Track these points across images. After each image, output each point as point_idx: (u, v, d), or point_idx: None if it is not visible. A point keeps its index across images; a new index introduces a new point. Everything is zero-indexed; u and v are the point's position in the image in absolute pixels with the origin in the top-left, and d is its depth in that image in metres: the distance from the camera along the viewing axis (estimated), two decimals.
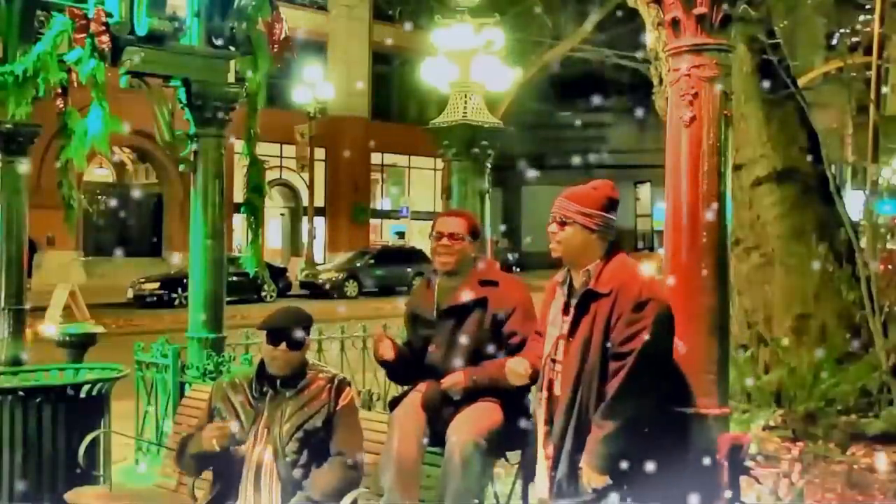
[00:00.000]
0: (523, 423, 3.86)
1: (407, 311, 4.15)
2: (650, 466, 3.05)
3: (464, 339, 3.84)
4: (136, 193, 33.46)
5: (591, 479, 3.07)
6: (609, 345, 3.09)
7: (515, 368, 3.46)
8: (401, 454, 3.70)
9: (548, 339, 3.32)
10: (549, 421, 3.24)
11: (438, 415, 3.80)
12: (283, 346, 3.62)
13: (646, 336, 3.03)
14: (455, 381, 3.76)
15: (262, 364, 3.74)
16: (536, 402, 3.35)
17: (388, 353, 3.94)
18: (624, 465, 3.03)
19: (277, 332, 3.63)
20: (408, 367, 4.01)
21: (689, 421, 3.20)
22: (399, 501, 3.65)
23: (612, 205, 3.28)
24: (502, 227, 39.42)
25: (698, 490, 3.12)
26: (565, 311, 3.27)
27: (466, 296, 3.86)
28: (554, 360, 3.26)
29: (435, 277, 4.01)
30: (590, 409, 3.11)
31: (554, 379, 3.25)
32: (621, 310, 3.08)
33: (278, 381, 3.68)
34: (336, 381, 3.71)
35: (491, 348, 3.79)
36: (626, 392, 3.02)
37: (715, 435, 3.20)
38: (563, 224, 3.23)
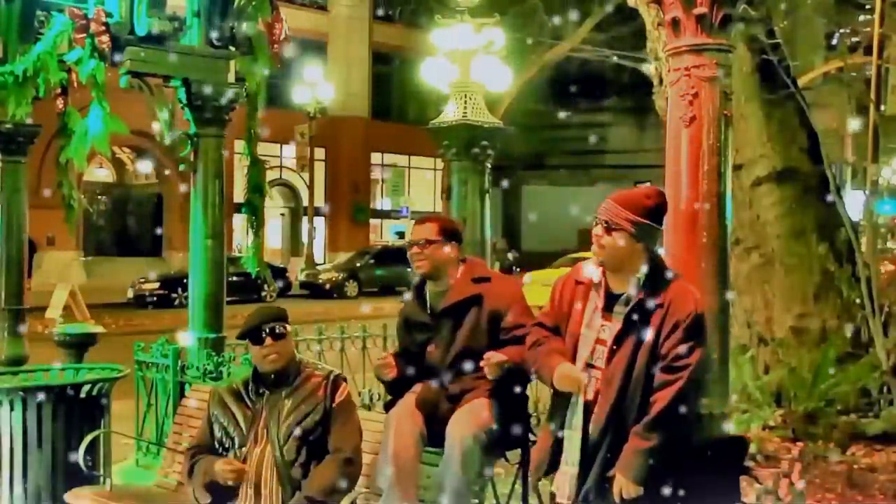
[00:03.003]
0: (522, 423, 3.87)
1: (400, 319, 4.16)
2: (679, 481, 3.04)
3: (461, 338, 3.84)
4: (136, 193, 33.47)
5: (626, 488, 3.03)
6: (657, 355, 3.03)
7: (571, 374, 3.16)
8: (398, 454, 3.70)
9: (583, 342, 3.21)
10: (583, 426, 3.16)
11: (435, 415, 3.80)
12: (268, 340, 3.64)
13: (700, 352, 3.00)
14: (501, 358, 3.64)
15: (256, 367, 3.75)
16: (570, 406, 3.20)
17: (390, 375, 3.96)
18: (658, 477, 3.01)
19: (257, 331, 3.65)
20: (405, 378, 4.02)
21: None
22: (398, 501, 3.65)
23: (660, 213, 3.17)
24: (501, 228, 39.45)
25: (698, 490, 3.12)
26: (606, 317, 3.17)
27: (461, 294, 3.88)
28: (591, 366, 3.18)
29: (424, 283, 4.03)
30: (628, 419, 3.06)
31: (589, 384, 3.17)
32: (676, 323, 3.02)
33: (273, 381, 3.69)
34: (331, 378, 3.72)
35: (490, 343, 3.78)
36: (678, 407, 2.97)
37: (715, 435, 3.20)
38: (609, 229, 3.12)
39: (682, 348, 2.99)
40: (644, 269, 3.11)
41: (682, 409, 2.98)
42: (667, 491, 3.02)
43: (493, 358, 3.67)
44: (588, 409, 3.14)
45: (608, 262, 3.16)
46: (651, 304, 3.06)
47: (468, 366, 3.80)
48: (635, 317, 3.08)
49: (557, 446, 3.23)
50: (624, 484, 3.03)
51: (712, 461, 3.20)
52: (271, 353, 3.64)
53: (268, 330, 3.64)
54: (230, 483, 3.55)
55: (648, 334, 3.04)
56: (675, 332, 3.01)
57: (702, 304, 3.07)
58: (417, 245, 3.93)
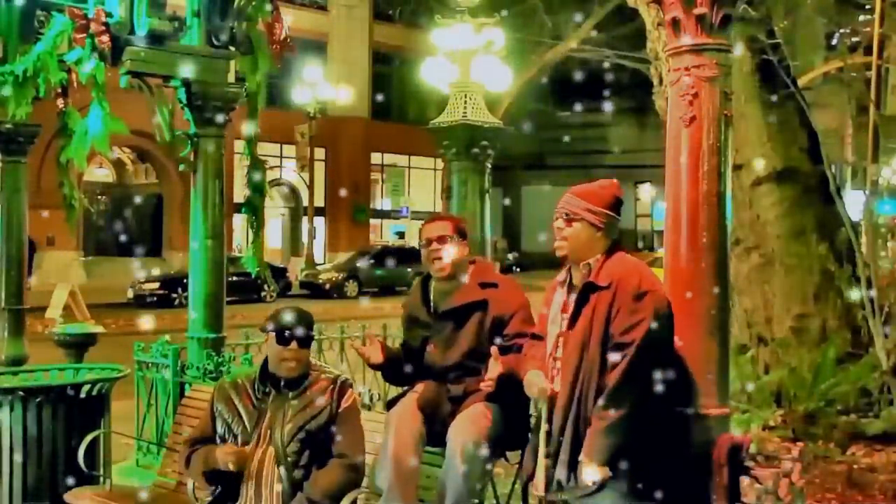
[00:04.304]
0: (523, 424, 3.87)
1: (404, 313, 4.14)
2: (650, 462, 3.05)
3: (463, 340, 3.83)
4: (136, 193, 33.46)
5: (592, 471, 3.05)
6: (609, 337, 3.08)
7: (536, 380, 3.28)
8: (398, 455, 3.70)
9: (549, 338, 3.31)
10: (550, 417, 3.22)
11: (436, 415, 3.80)
12: (294, 345, 3.60)
13: (646, 327, 3.02)
14: (499, 371, 3.59)
15: (264, 365, 3.72)
16: (541, 401, 3.30)
17: (375, 358, 3.95)
18: (624, 457, 3.02)
19: (287, 332, 3.60)
20: (400, 368, 4.01)
21: (689, 421, 3.20)
22: (397, 501, 3.65)
23: (618, 204, 3.29)
24: (501, 228, 39.44)
25: (698, 490, 3.12)
26: (565, 309, 3.26)
27: (467, 297, 3.85)
28: (556, 359, 3.25)
29: (430, 279, 4.01)
30: (588, 403, 3.09)
31: (556, 376, 3.23)
32: (621, 302, 3.08)
33: (282, 382, 3.67)
34: (339, 383, 3.70)
35: (489, 349, 3.77)
36: (627, 383, 3.01)
37: (715, 435, 3.20)
38: (569, 220, 3.23)
39: (627, 324, 3.04)
40: (599, 256, 3.20)
41: (635, 386, 3.00)
42: (639, 474, 3.03)
43: (492, 373, 3.62)
44: (555, 399, 3.20)
45: (571, 254, 3.26)
46: (599, 287, 3.14)
47: (470, 369, 3.79)
48: (585, 301, 3.15)
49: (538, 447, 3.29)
50: (589, 467, 3.05)
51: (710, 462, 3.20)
52: (292, 361, 3.61)
53: (297, 335, 3.60)
54: (231, 468, 3.52)
55: (598, 316, 3.10)
56: (620, 310, 3.07)
57: (648, 282, 3.11)
58: (436, 242, 3.86)
